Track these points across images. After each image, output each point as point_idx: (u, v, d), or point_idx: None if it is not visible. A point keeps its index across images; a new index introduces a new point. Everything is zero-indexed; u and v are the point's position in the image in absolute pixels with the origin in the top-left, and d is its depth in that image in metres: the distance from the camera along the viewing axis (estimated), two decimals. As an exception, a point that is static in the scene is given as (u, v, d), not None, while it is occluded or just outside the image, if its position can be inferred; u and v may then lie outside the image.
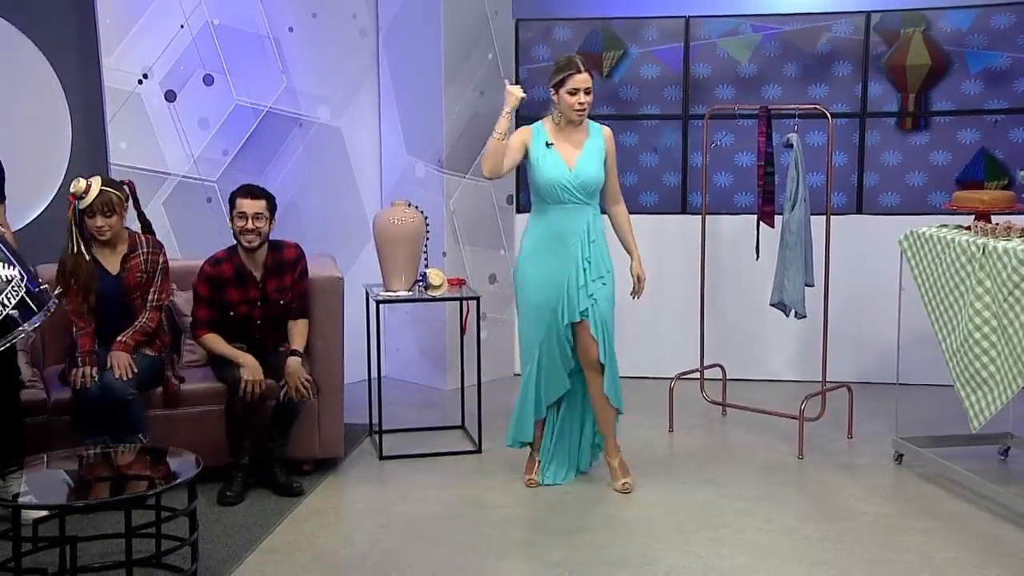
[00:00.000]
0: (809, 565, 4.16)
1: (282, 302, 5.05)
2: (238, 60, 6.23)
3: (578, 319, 4.79)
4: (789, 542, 4.38)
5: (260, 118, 6.34)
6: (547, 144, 4.78)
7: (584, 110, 4.76)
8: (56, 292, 3.94)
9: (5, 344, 3.56)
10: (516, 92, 4.71)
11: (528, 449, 5.05)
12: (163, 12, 5.94)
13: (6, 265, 3.64)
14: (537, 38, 7.07)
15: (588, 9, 7.25)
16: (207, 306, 5.00)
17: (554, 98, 4.77)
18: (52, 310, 3.74)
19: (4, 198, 4.85)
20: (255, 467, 4.93)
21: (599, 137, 4.85)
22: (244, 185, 5.11)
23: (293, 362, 4.88)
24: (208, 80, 6.16)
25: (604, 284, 4.82)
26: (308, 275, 5.15)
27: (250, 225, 4.91)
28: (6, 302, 3.56)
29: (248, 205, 4.92)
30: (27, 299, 3.60)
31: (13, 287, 3.59)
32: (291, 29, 6.43)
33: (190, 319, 5.14)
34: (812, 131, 6.66)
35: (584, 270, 4.78)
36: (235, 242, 5.00)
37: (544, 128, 4.84)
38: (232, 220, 4.98)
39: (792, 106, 5.83)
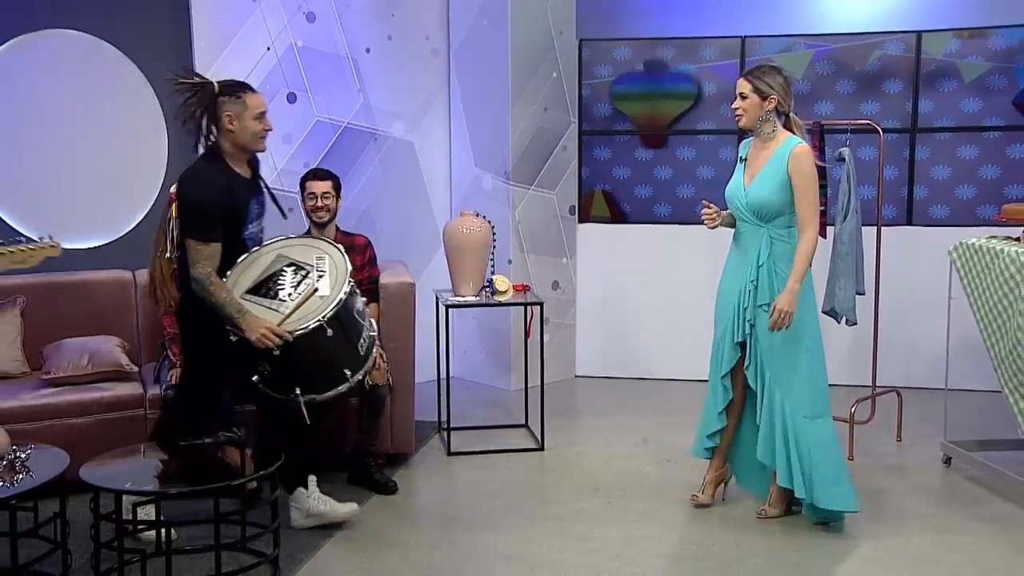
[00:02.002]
0: (859, 562, 4.13)
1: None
2: (319, 79, 6.31)
3: (740, 339, 4.41)
4: (839, 539, 4.34)
5: (339, 133, 6.42)
6: (741, 159, 4.48)
7: (740, 116, 4.39)
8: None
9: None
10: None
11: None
12: (251, 35, 6.05)
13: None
14: (599, 57, 7.10)
15: (648, 30, 7.24)
16: None
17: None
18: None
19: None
20: (351, 464, 4.95)
21: (784, 156, 4.29)
22: (312, 169, 5.34)
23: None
24: (291, 98, 6.25)
25: (768, 312, 4.29)
26: (377, 263, 5.29)
27: (320, 203, 5.12)
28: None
29: (317, 186, 5.15)
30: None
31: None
32: (368, 50, 6.51)
33: None
34: (864, 146, 6.61)
35: (749, 293, 4.36)
36: (307, 226, 5.20)
37: (750, 142, 4.49)
38: (304, 201, 5.17)
39: (844, 122, 5.78)
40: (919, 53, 6.69)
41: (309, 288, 4.09)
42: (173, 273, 4.90)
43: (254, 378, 4.08)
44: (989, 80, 6.68)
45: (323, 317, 3.98)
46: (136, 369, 5.14)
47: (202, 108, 4.11)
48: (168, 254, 4.91)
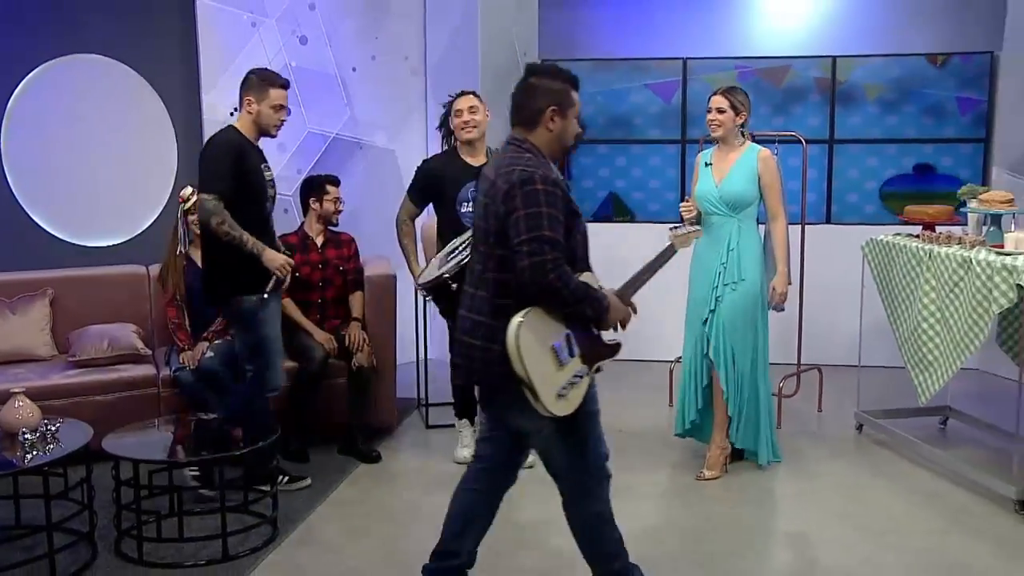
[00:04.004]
0: (785, 516, 4.26)
1: (341, 268, 5.21)
2: (311, 95, 6.34)
3: (706, 316, 4.56)
4: (768, 497, 4.46)
5: (328, 142, 6.45)
6: (706, 164, 4.66)
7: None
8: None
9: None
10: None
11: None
12: (251, 57, 6.06)
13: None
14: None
15: (601, 50, 7.34)
16: None
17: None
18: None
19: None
20: (341, 437, 5.03)
21: (752, 158, 4.54)
22: (326, 176, 5.36)
23: (355, 325, 5.07)
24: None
25: (734, 290, 4.50)
26: (360, 257, 5.38)
27: (339, 207, 5.27)
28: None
29: (336, 191, 5.26)
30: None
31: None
32: (354, 69, 6.55)
33: None
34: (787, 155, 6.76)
35: (719, 274, 4.53)
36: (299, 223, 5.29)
37: (712, 150, 4.70)
38: (320, 202, 5.21)
39: (773, 133, 5.87)
40: (834, 74, 6.85)
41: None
42: (183, 267, 5.00)
43: None
44: (888, 98, 6.88)
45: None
46: (150, 353, 5.20)
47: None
48: (180, 250, 5.02)
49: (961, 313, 4.39)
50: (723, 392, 4.57)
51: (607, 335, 3.05)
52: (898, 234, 5.09)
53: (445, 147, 4.91)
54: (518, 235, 2.81)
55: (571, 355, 2.92)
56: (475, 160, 4.72)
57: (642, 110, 7.12)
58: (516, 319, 2.80)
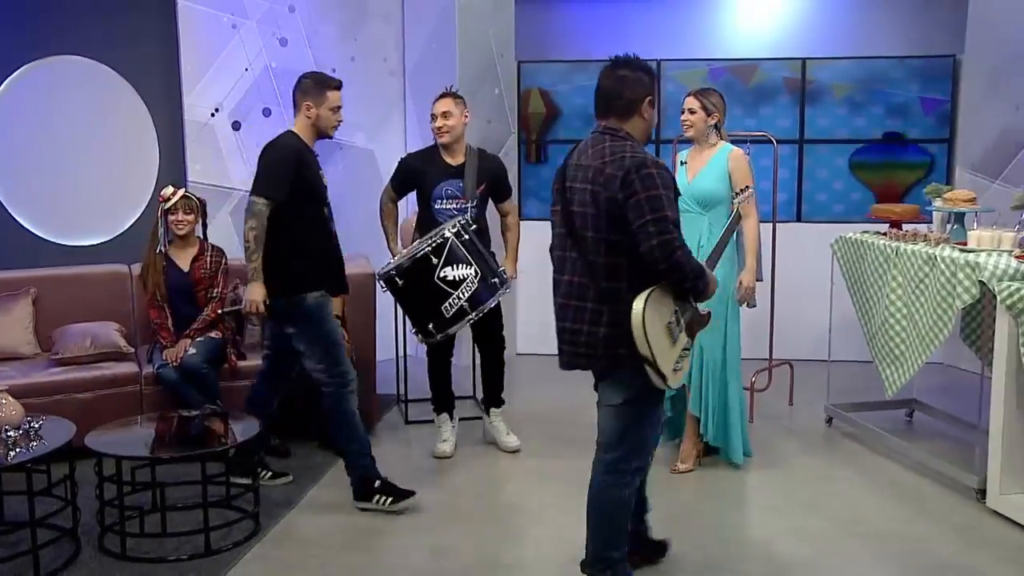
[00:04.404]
0: (757, 508, 4.29)
1: None
2: (290, 96, 6.28)
3: None
4: (740, 489, 4.49)
5: (308, 143, 6.47)
6: (682, 163, 4.68)
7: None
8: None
9: (472, 319, 4.28)
10: None
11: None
12: (231, 59, 6.07)
13: (464, 265, 4.23)
14: (536, 76, 7.20)
15: (577, 52, 7.36)
16: None
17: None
18: (505, 291, 4.43)
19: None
20: (321, 431, 4.96)
21: (723, 157, 4.53)
22: None
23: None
24: (267, 112, 6.29)
25: None
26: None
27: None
28: (461, 296, 4.21)
29: None
30: (482, 288, 4.27)
31: (467, 284, 4.21)
32: (334, 70, 6.47)
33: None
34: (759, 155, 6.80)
35: None
36: None
37: (689, 150, 4.71)
38: None
39: (745, 133, 5.89)
40: (804, 75, 6.90)
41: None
42: (163, 267, 4.98)
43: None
44: (856, 98, 6.93)
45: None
46: (133, 350, 5.17)
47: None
48: (159, 249, 5.00)
49: (926, 309, 4.43)
50: (686, 387, 4.58)
51: (701, 307, 3.25)
52: (866, 232, 5.14)
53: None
54: (641, 216, 2.93)
55: (680, 330, 3.11)
56: (453, 160, 4.81)
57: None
58: (638, 304, 2.94)
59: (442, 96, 4.86)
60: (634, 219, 2.94)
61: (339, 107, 4.19)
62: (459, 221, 4.41)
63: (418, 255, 4.24)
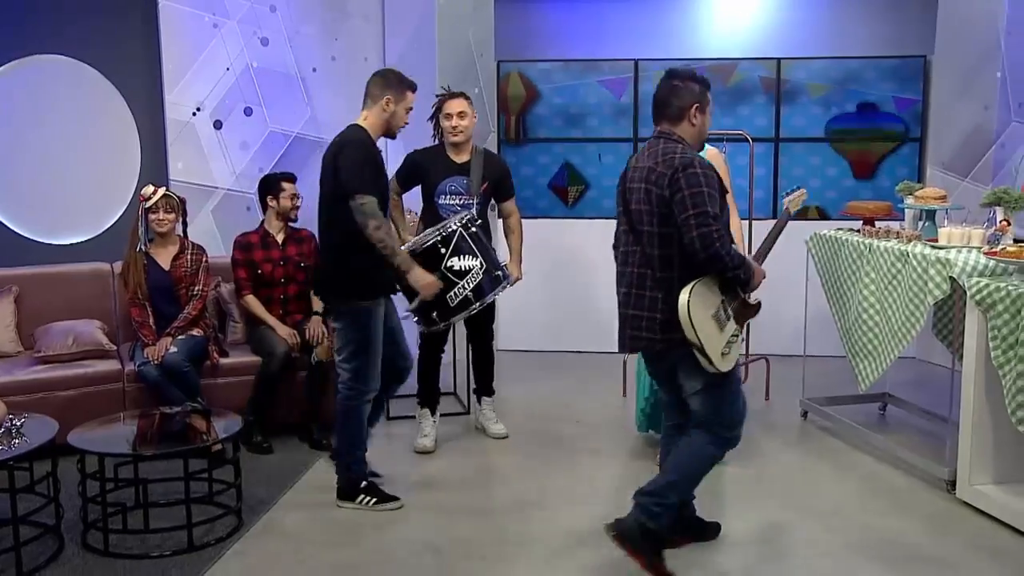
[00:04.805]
0: (734, 501, 4.30)
1: (302, 264, 5.20)
2: (272, 95, 6.31)
3: None
4: (717, 482, 4.45)
5: (289, 141, 6.40)
6: None
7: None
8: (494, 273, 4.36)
9: (475, 309, 4.30)
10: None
11: None
12: (213, 58, 6.04)
13: (470, 256, 4.28)
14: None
15: (557, 52, 7.38)
16: (244, 267, 5.16)
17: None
18: (507, 285, 4.49)
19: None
20: (300, 427, 5.04)
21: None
22: (282, 173, 5.35)
23: (316, 319, 5.08)
24: (248, 111, 6.25)
25: None
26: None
27: (296, 203, 5.24)
28: (466, 286, 4.24)
29: (292, 188, 5.25)
30: (486, 280, 4.32)
31: (472, 275, 4.27)
32: (315, 69, 6.51)
33: (234, 286, 5.27)
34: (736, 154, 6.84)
35: None
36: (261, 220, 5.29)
37: None
38: (277, 200, 5.20)
39: (721, 132, 5.90)
40: (779, 75, 6.94)
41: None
42: (144, 265, 4.96)
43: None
44: (831, 98, 6.98)
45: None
46: (115, 348, 5.15)
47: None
48: (140, 247, 4.98)
49: (899, 304, 4.47)
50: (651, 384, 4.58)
51: (750, 297, 3.54)
52: (840, 229, 5.18)
53: (435, 141, 5.05)
54: (685, 211, 3.22)
55: (727, 318, 3.37)
56: (459, 157, 4.94)
57: (596, 109, 7.16)
58: (684, 295, 3.23)
59: (455, 96, 4.96)
60: (679, 213, 3.24)
61: (411, 109, 4.17)
62: (466, 215, 4.48)
63: (428, 243, 4.30)
